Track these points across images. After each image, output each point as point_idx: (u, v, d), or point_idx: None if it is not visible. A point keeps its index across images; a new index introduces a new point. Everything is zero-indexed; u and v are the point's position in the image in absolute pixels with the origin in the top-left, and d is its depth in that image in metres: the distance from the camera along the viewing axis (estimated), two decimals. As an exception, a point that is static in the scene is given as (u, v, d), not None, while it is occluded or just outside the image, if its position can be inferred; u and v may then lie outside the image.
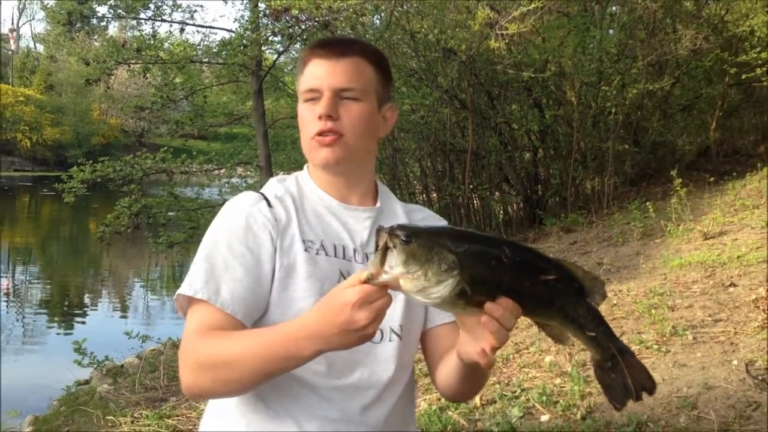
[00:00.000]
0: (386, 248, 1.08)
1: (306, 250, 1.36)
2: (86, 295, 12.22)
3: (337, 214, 1.43)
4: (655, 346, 4.22)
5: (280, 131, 13.13)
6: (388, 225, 1.35)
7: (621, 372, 1.18)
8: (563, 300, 1.16)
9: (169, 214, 10.63)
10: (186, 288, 1.32)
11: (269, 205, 1.39)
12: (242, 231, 1.35)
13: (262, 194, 1.43)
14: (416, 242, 1.07)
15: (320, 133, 1.38)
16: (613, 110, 10.67)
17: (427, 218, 1.55)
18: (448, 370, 1.37)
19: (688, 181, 8.74)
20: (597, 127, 11.25)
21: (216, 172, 11.42)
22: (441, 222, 1.55)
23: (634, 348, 4.27)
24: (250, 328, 1.31)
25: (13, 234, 19.10)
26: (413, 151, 11.95)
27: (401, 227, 1.09)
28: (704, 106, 11.99)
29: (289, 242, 1.36)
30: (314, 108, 1.38)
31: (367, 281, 1.08)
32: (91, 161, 9.92)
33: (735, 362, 3.81)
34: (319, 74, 1.38)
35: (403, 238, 1.07)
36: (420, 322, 1.47)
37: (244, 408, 1.37)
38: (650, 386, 1.20)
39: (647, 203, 8.04)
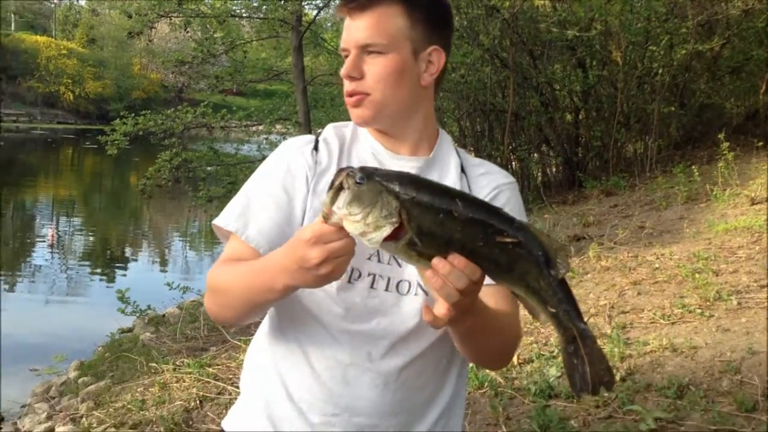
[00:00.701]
0: (340, 188, 1.06)
1: None
2: (127, 248, 12.47)
3: (383, 162, 1.42)
4: (698, 311, 4.16)
5: (319, 88, 13.07)
6: (427, 175, 1.36)
7: (581, 359, 1.09)
8: (524, 268, 1.07)
9: (209, 168, 10.74)
10: (220, 218, 1.39)
11: (316, 148, 1.41)
12: (282, 172, 1.39)
13: (315, 137, 1.44)
14: (366, 185, 1.04)
15: (348, 95, 1.38)
16: (660, 71, 10.39)
17: (489, 173, 1.48)
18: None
19: (735, 145, 8.51)
20: (642, 88, 10.99)
21: (255, 128, 11.46)
22: (507, 179, 1.48)
23: (676, 312, 4.23)
24: None
25: (57, 186, 19.50)
26: (452, 110, 11.83)
27: (361, 168, 1.07)
28: (754, 68, 11.60)
29: (323, 186, 1.36)
30: None
31: (325, 220, 1.07)
32: (132, 114, 10.03)
33: (781, 328, 3.75)
34: (345, 31, 1.38)
35: (357, 180, 1.05)
36: None
37: (272, 340, 1.43)
38: (608, 380, 1.10)
39: (692, 167, 7.87)
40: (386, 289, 1.35)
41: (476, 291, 1.10)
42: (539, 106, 11.20)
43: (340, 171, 1.08)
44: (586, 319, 3.85)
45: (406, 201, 1.04)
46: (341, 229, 1.06)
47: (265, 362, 1.43)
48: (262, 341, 1.46)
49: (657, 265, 5.25)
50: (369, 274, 1.34)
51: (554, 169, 12.23)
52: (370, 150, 1.43)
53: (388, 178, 1.07)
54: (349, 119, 1.45)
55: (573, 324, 1.08)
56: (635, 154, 11.13)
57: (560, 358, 3.96)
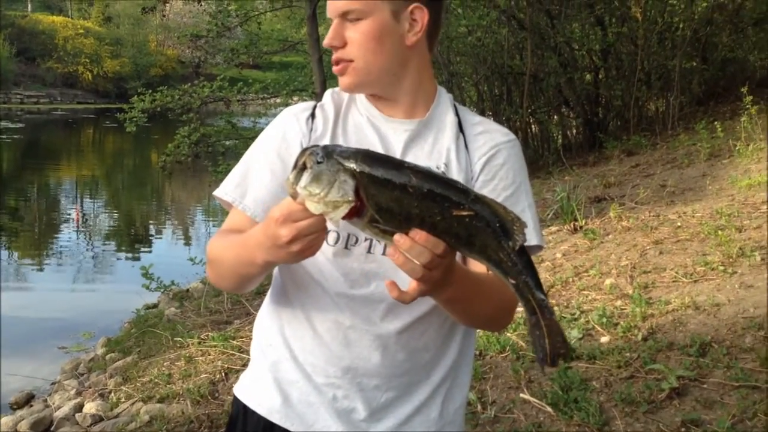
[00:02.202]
0: (303, 167, 1.07)
1: None
2: (151, 225, 12.59)
3: (377, 126, 1.41)
4: (721, 267, 4.11)
5: (335, 57, 12.97)
6: (422, 137, 1.40)
7: (541, 330, 1.10)
8: (483, 240, 1.08)
9: (227, 143, 10.76)
10: (220, 188, 1.42)
11: (313, 115, 1.42)
12: (278, 139, 1.41)
13: (314, 104, 1.45)
14: (325, 164, 1.05)
15: (334, 63, 1.39)
16: (681, 26, 10.17)
17: (488, 132, 1.45)
18: None
19: (759, 99, 8.33)
20: (663, 44, 10.77)
21: (272, 100, 11.43)
22: (506, 137, 1.45)
23: (698, 270, 4.18)
24: None
25: (79, 166, 19.68)
26: (470, 75, 11.70)
27: (322, 147, 1.07)
28: (778, 19, 11.32)
29: None
30: None
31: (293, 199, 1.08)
32: (150, 91, 10.05)
33: (805, 283, 3.69)
34: (328, 1, 1.38)
35: (317, 159, 1.06)
36: None
37: (277, 305, 1.45)
38: (564, 352, 1.11)
39: (715, 123, 7.72)
40: (383, 254, 1.35)
41: (443, 264, 1.09)
42: (558, 67, 11.01)
43: (303, 150, 1.09)
44: (604, 282, 3.81)
45: (363, 179, 1.05)
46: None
47: (272, 327, 1.45)
48: (268, 306, 1.49)
49: (679, 224, 5.18)
50: (366, 239, 1.35)
51: (574, 131, 12.08)
52: (365, 115, 1.42)
53: (346, 155, 1.07)
54: None
55: (531, 295, 1.09)
56: (657, 112, 10.96)
57: (581, 320, 3.95)
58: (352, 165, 1.06)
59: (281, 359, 1.42)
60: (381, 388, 1.39)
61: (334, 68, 1.38)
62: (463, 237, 1.08)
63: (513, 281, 1.09)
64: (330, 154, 1.06)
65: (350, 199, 1.05)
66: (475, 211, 1.07)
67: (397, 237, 1.07)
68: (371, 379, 1.38)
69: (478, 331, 4.38)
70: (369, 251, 1.35)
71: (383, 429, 1.39)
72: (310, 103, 1.45)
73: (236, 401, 1.48)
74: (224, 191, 1.40)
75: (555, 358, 1.11)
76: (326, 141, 1.37)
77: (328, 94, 1.46)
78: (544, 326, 1.10)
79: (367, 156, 1.08)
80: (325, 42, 1.37)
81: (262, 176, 1.38)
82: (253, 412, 1.42)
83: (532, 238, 1.35)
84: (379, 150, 1.38)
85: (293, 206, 1.09)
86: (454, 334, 1.44)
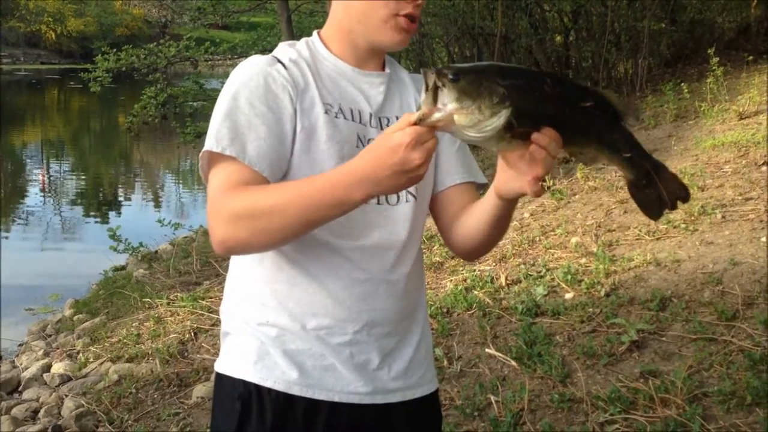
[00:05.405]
0: (436, 88, 1.11)
1: (326, 112, 1.35)
2: (119, 188, 12.44)
3: (352, 80, 1.41)
4: (683, 225, 4.19)
5: (305, 17, 12.82)
6: (392, 90, 1.44)
7: (656, 186, 1.23)
8: (599, 126, 1.20)
9: (195, 104, 10.62)
10: (213, 144, 1.29)
11: (285, 67, 1.37)
12: (262, 90, 1.33)
13: (275, 57, 1.40)
14: (464, 79, 1.10)
15: (413, 18, 1.36)
16: (650, -14, 10.16)
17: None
18: (474, 221, 1.40)
19: (725, 61, 8.41)
20: (632, 5, 10.76)
21: (240, 59, 11.27)
22: None
23: (661, 228, 4.26)
24: None
25: (44, 128, 19.31)
26: (440, 36, 11.63)
27: (447, 67, 1.12)
28: (747, -20, 11.37)
29: (309, 104, 1.35)
30: None
31: (416, 123, 1.11)
32: (114, 50, 9.85)
33: (763, 239, 3.78)
34: None
35: (451, 76, 1.10)
36: (431, 185, 1.49)
37: (266, 277, 1.40)
38: (684, 195, 1.26)
39: (682, 84, 7.79)
40: (378, 202, 1.39)
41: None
42: (528, 29, 10.99)
43: (425, 73, 1.12)
44: (570, 240, 3.88)
45: (507, 86, 1.12)
46: (432, 129, 1.12)
47: (266, 303, 1.39)
48: (252, 284, 1.41)
49: (644, 183, 5.25)
50: None
51: (545, 92, 12.08)
52: (335, 69, 1.42)
53: (480, 69, 1.16)
54: None
55: (647, 161, 1.23)
56: (626, 74, 11.00)
57: (547, 278, 4.01)
58: (493, 75, 1.13)
59: (285, 332, 1.38)
60: (392, 334, 1.43)
61: (409, 25, 1.37)
62: (583, 126, 1.20)
63: (627, 155, 1.22)
64: (460, 70, 1.12)
65: (507, 103, 1.10)
66: (594, 101, 1.18)
67: (536, 135, 1.14)
68: (385, 327, 1.42)
69: (445, 290, 4.41)
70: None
71: (394, 374, 1.44)
72: (271, 57, 1.40)
73: (240, 383, 1.40)
74: (221, 147, 1.28)
75: (675, 202, 1.25)
76: (313, 93, 1.36)
77: (285, 47, 1.44)
78: (663, 180, 1.23)
79: (498, 66, 1.19)
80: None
81: (257, 130, 1.30)
82: (269, 390, 1.37)
83: (481, 178, 1.53)
84: (361, 102, 1.41)
85: (420, 129, 1.10)
86: (423, 281, 1.54)
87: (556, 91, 1.16)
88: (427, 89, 1.12)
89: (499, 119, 1.10)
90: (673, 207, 1.25)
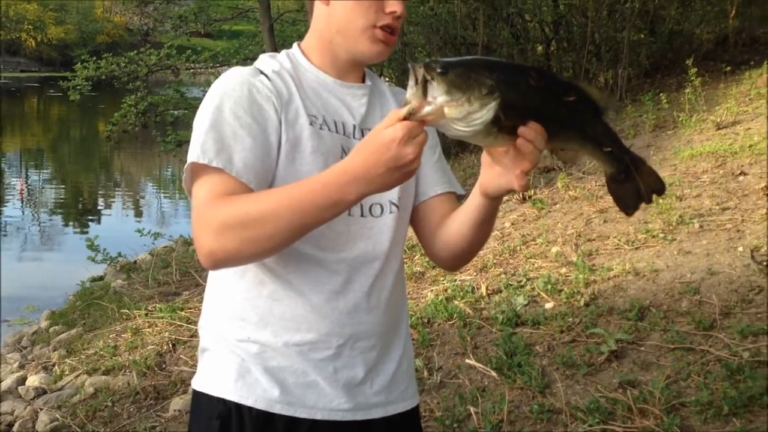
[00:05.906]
0: (425, 82, 1.10)
1: (311, 124, 1.35)
2: (99, 197, 12.33)
3: (334, 92, 1.41)
4: (661, 235, 4.22)
5: (287, 26, 12.82)
6: (373, 102, 1.45)
7: (634, 180, 1.26)
8: (582, 120, 1.22)
9: (176, 112, 10.57)
10: (199, 155, 1.26)
11: (268, 78, 1.36)
12: (246, 101, 1.31)
13: (257, 68, 1.39)
14: (453, 72, 1.10)
15: (391, 30, 1.36)
16: (630, -2, 10.25)
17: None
18: (457, 225, 1.40)
19: (703, 71, 8.49)
20: (612, 16, 10.87)
21: (222, 68, 11.25)
22: None
23: (640, 237, 4.28)
24: None
25: (24, 136, 19.12)
26: (423, 45, 11.65)
27: (434, 61, 1.12)
28: (725, -8, 11.51)
29: (294, 115, 1.34)
30: None
31: (406, 118, 1.10)
32: (95, 58, 9.79)
33: (740, 249, 3.81)
34: None
35: (440, 70, 1.10)
36: (412, 196, 1.49)
37: (247, 292, 1.37)
38: (660, 188, 1.29)
39: (661, 95, 7.85)
40: (362, 215, 1.38)
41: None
42: (510, 38, 11.06)
43: (412, 67, 1.12)
44: (550, 249, 3.90)
45: (495, 79, 1.12)
46: (422, 123, 1.11)
47: (247, 319, 1.37)
48: (233, 301, 1.39)
49: (623, 193, 5.28)
50: None
51: (526, 102, 12.14)
52: (317, 80, 1.41)
53: (467, 63, 1.15)
54: None
55: (626, 154, 1.26)
56: (606, 84, 11.08)
57: (527, 287, 4.02)
58: (480, 68, 1.13)
59: (267, 348, 1.36)
60: (375, 347, 1.42)
61: (387, 37, 1.36)
62: (566, 120, 1.21)
63: (608, 148, 1.24)
64: (448, 63, 1.11)
65: (496, 95, 1.10)
66: (577, 95, 1.20)
67: (523, 129, 1.14)
68: (369, 341, 1.41)
69: (426, 300, 4.39)
70: (349, 214, 1.36)
71: (377, 388, 1.42)
72: (253, 68, 1.39)
73: (219, 402, 1.37)
74: (207, 158, 1.25)
75: (650, 195, 1.27)
76: (297, 104, 1.35)
77: (267, 58, 1.42)
78: (641, 174, 1.26)
79: (484, 60, 1.19)
80: (400, 9, 1.35)
81: (243, 141, 1.28)
82: (250, 408, 1.35)
83: (460, 189, 1.53)
84: (345, 114, 1.41)
85: (411, 124, 1.10)
86: (405, 292, 1.54)
87: (540, 84, 1.17)
88: (416, 84, 1.11)
89: (489, 111, 1.10)
90: (649, 201, 1.28)
